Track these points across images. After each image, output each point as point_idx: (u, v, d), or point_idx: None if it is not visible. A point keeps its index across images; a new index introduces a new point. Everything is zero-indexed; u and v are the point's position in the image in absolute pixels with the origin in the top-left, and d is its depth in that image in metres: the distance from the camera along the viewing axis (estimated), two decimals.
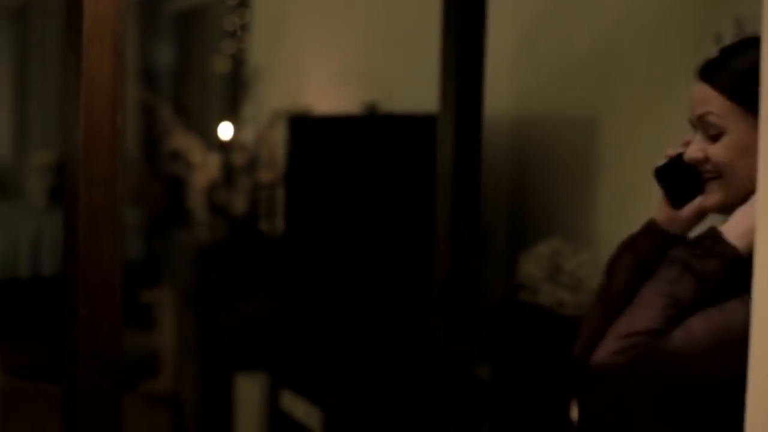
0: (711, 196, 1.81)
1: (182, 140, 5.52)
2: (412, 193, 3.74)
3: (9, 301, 7.18)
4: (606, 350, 1.66)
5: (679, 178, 1.85)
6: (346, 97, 4.80)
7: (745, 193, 1.74)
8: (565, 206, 3.56)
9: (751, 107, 1.69)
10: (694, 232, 1.87)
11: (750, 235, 1.64)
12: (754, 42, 1.69)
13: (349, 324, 4.05)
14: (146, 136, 7.46)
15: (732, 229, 1.70)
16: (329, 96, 5.06)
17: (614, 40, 3.39)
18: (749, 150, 1.71)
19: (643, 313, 1.66)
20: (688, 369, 1.62)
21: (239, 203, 5.26)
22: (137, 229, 6.41)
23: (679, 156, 1.85)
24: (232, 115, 5.86)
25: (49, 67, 7.81)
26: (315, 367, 4.27)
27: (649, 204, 3.43)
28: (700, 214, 1.86)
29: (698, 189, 1.84)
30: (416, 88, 3.81)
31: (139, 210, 6.31)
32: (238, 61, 5.99)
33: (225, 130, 5.53)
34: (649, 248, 1.85)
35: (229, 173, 5.32)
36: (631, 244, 1.89)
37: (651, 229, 1.88)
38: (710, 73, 1.79)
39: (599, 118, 3.39)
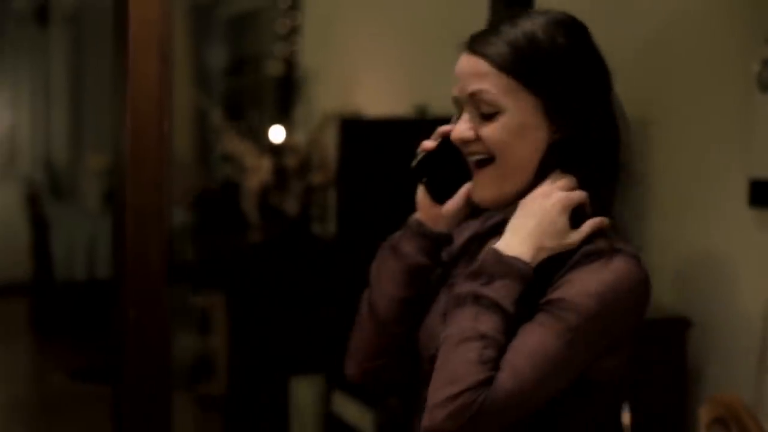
0: (484, 189, 1.60)
1: (234, 144, 5.55)
2: None
3: (66, 304, 7.27)
4: (435, 417, 1.45)
5: (440, 170, 1.65)
6: (396, 99, 4.79)
7: (521, 181, 1.58)
8: (615, 210, 3.52)
9: (530, 84, 1.55)
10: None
11: (531, 239, 1.51)
12: (526, 13, 1.62)
13: None
14: (199, 140, 7.51)
15: (509, 241, 1.52)
16: (380, 98, 5.06)
17: (665, 41, 3.35)
18: (527, 132, 1.56)
19: (459, 366, 1.45)
20: (529, 404, 1.47)
21: (292, 206, 5.27)
22: (191, 232, 6.45)
23: (440, 145, 1.64)
24: (284, 118, 5.88)
25: (106, 70, 7.87)
26: None
27: (704, 207, 3.40)
28: (467, 206, 1.67)
29: (462, 179, 1.64)
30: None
31: (193, 213, 6.36)
32: (290, 65, 6.00)
33: (277, 133, 5.55)
34: (416, 251, 1.66)
35: (281, 176, 5.33)
36: (393, 248, 1.68)
37: (415, 230, 1.67)
38: (484, 45, 1.57)
39: (651, 120, 3.36)
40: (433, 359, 1.53)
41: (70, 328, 7.13)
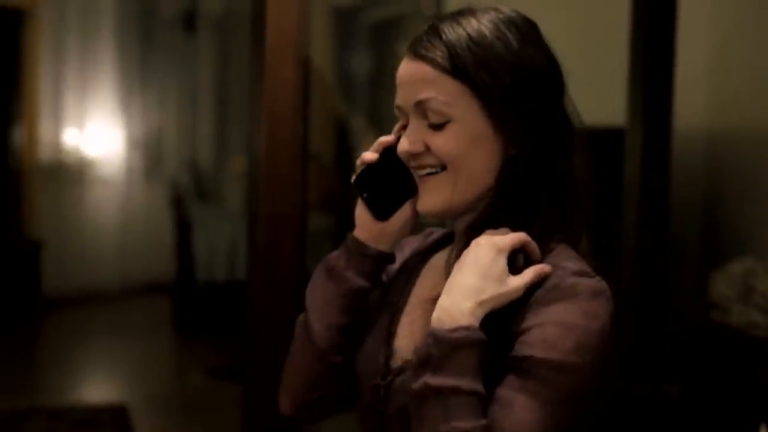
0: (432, 195, 1.46)
1: None
2: (598, 206, 3.67)
3: (207, 303, 7.41)
4: None
5: (382, 184, 1.52)
6: None
7: (472, 193, 1.44)
8: (760, 224, 3.43)
9: (479, 89, 1.41)
10: None
11: (467, 296, 1.33)
12: (470, 11, 1.47)
13: None
14: (341, 145, 7.57)
15: (445, 307, 1.34)
16: None
17: None
18: (480, 142, 1.42)
19: None
20: None
21: None
22: (329, 236, 6.50)
23: (382, 157, 1.51)
24: None
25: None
26: None
27: None
28: (412, 222, 1.54)
29: (405, 193, 1.51)
30: (603, 100, 3.74)
31: (330, 218, 6.41)
32: None
33: None
34: (355, 273, 1.52)
35: None
36: (330, 270, 1.54)
37: (354, 249, 1.53)
38: (427, 48, 1.44)
39: None
40: (375, 389, 1.46)
41: (210, 327, 7.27)
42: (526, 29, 1.47)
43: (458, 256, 1.41)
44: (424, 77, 1.43)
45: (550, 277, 1.37)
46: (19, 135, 7.97)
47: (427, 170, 1.45)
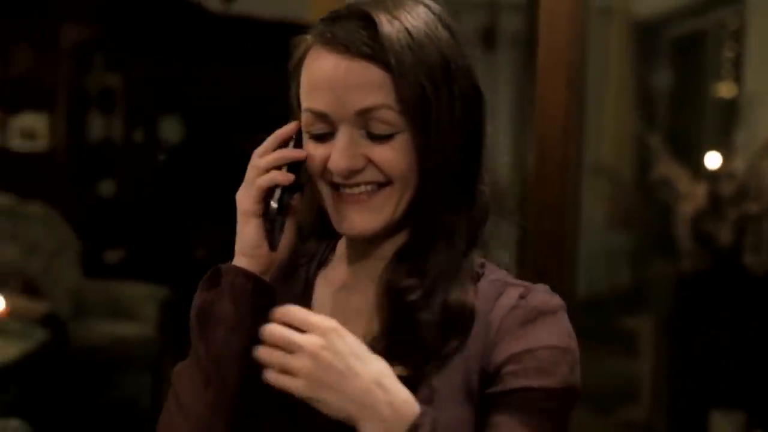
0: (369, 214, 1.25)
1: (670, 168, 5.45)
2: None
3: None
4: None
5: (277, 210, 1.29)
6: None
7: (404, 210, 1.27)
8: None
9: (423, 101, 1.22)
10: None
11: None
12: (429, 14, 1.27)
13: None
14: (640, 163, 7.45)
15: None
16: None
17: None
18: (422, 161, 1.24)
19: None
20: None
21: (725, 234, 5.10)
22: (626, 254, 6.42)
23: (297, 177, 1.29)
24: (722, 144, 5.71)
25: None
26: None
27: None
28: (293, 246, 1.34)
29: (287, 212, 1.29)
30: None
31: (630, 235, 6.32)
32: (735, 88, 5.82)
33: (713, 159, 5.40)
34: (243, 311, 1.26)
35: (716, 203, 5.18)
36: (207, 309, 1.28)
37: (244, 288, 1.27)
38: (375, 47, 1.22)
39: None
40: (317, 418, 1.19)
41: None
42: (454, 24, 1.29)
43: (385, 285, 1.27)
44: (371, 81, 1.22)
45: (499, 298, 1.27)
46: None
47: (363, 188, 1.26)
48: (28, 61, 6.59)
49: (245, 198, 1.29)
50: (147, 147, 7.03)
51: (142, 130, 7.00)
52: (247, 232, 1.28)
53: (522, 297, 1.26)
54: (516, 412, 1.21)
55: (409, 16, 1.24)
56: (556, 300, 1.29)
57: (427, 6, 1.28)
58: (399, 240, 1.31)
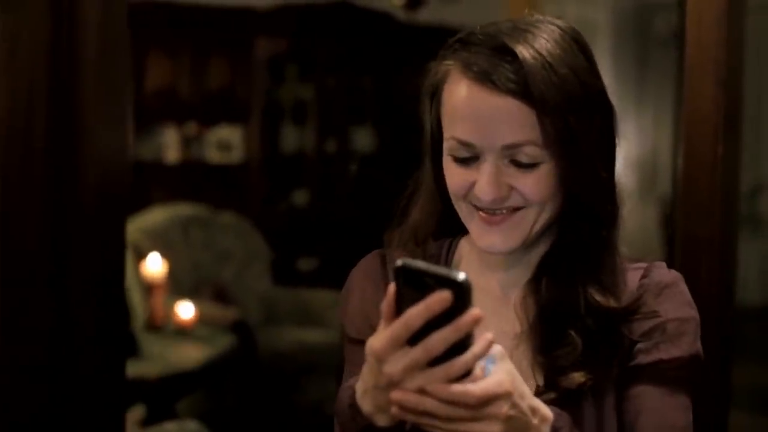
0: (509, 233, 1.33)
1: None
2: None
3: None
4: None
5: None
6: None
7: (538, 234, 1.35)
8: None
9: (567, 134, 1.28)
10: None
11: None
12: (535, 28, 1.31)
13: None
14: None
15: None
16: None
17: None
18: (559, 185, 1.32)
19: None
20: None
21: None
22: None
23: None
24: None
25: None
26: None
27: None
28: None
29: None
30: None
31: None
32: None
33: None
34: None
35: None
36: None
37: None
38: (516, 81, 1.26)
39: None
40: None
41: None
42: (587, 46, 1.35)
43: (533, 292, 1.38)
44: (518, 119, 1.27)
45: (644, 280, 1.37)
46: None
47: (504, 211, 1.33)
48: (223, 74, 6.81)
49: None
50: (339, 157, 7.13)
51: (334, 140, 7.09)
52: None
53: (644, 277, 1.37)
54: (652, 383, 1.33)
55: (547, 45, 1.28)
56: (674, 273, 1.40)
57: (561, 29, 1.32)
58: (538, 251, 1.40)
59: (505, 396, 1.10)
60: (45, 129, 2.11)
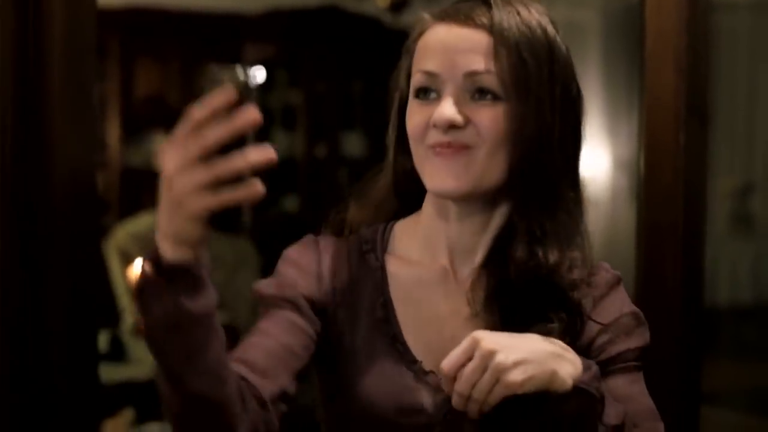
0: (457, 173, 1.37)
1: None
2: None
3: None
4: None
5: None
6: None
7: (489, 184, 1.38)
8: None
9: (526, 84, 1.35)
10: None
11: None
12: (539, 11, 1.42)
13: None
14: None
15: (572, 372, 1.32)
16: None
17: None
18: (519, 130, 1.36)
19: None
20: None
21: None
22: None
23: None
24: None
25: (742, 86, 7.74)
26: None
27: None
28: None
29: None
30: None
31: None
32: None
33: None
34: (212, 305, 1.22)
35: None
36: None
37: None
38: (490, 20, 1.36)
39: None
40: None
41: None
42: (558, 32, 1.43)
43: (486, 274, 1.40)
44: (480, 47, 1.36)
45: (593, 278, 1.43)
46: None
47: (457, 145, 1.37)
48: None
49: None
50: (329, 162, 7.13)
51: (324, 145, 7.09)
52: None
53: (591, 275, 1.42)
54: (620, 372, 1.40)
55: (522, 7, 1.39)
56: (616, 273, 1.48)
57: (540, 6, 1.42)
58: (491, 231, 1.43)
59: (474, 343, 1.21)
60: (11, 128, 2.10)
